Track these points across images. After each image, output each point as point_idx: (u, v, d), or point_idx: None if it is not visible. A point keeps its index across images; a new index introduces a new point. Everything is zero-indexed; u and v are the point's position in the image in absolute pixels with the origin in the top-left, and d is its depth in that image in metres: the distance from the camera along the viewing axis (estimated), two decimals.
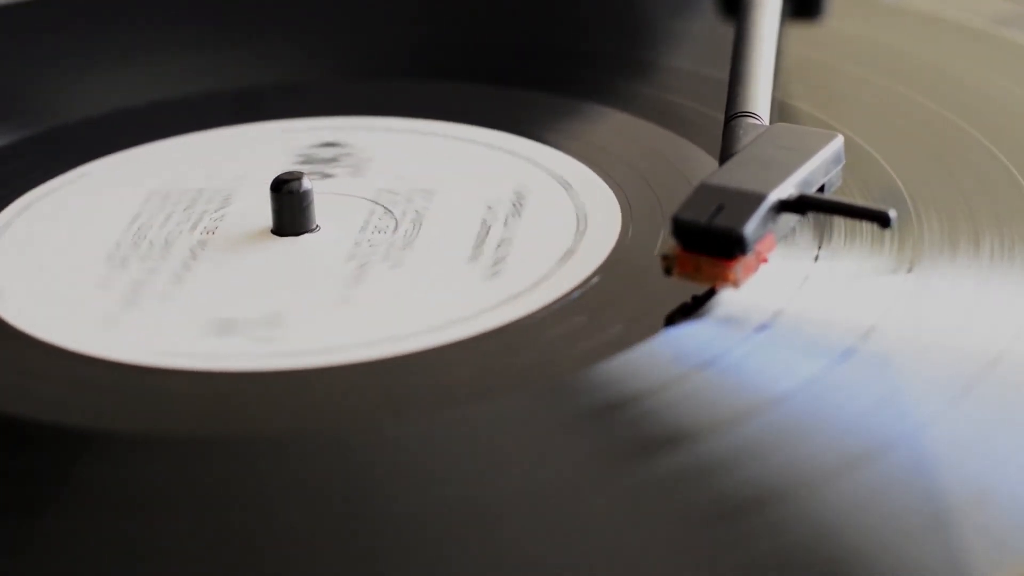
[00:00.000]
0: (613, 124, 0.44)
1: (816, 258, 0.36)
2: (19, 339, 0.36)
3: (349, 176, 0.42)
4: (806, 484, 0.30)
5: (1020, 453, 0.31)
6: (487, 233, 0.39)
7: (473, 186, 0.41)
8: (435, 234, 0.39)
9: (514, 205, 0.40)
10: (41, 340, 0.36)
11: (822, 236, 0.37)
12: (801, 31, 0.49)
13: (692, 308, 0.35)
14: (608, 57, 0.49)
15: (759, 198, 0.34)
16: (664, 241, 0.35)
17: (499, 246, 0.38)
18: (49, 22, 0.53)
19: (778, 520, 0.29)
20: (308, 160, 0.43)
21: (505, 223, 0.39)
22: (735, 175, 0.35)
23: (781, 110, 0.43)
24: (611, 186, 0.40)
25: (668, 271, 0.35)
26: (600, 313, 0.35)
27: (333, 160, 0.43)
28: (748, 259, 0.34)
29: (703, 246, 0.34)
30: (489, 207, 0.40)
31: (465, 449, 0.31)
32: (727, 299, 0.35)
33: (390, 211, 0.40)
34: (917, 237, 0.37)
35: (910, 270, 0.36)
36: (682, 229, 0.34)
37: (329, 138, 0.44)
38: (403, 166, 0.42)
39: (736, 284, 0.34)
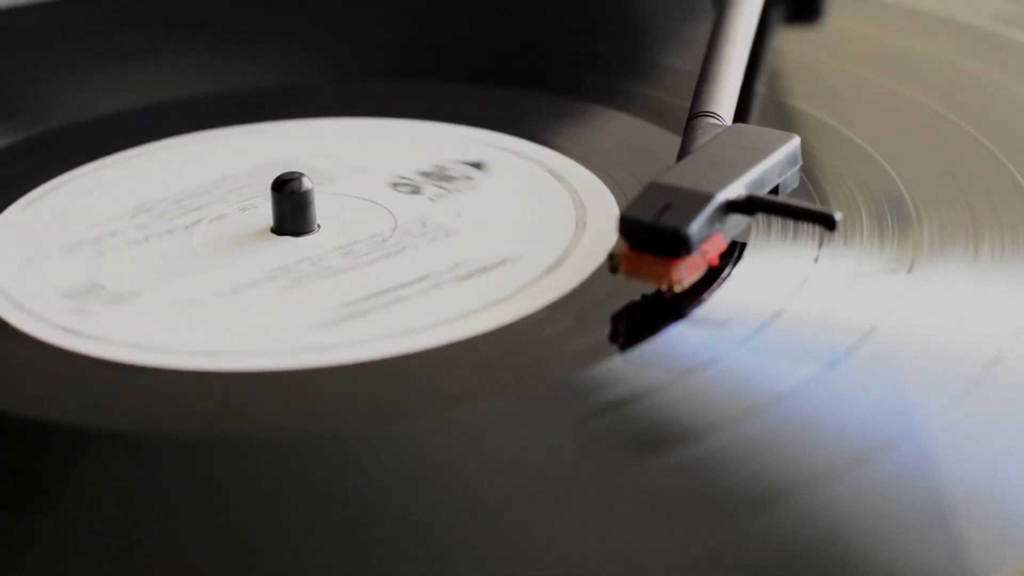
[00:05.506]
0: (614, 125, 0.44)
1: (816, 258, 0.36)
2: None
3: (427, 200, 0.40)
4: (806, 484, 0.30)
5: (1020, 452, 0.31)
6: (432, 286, 0.36)
7: (492, 233, 0.39)
8: (381, 271, 0.37)
9: (498, 263, 0.37)
10: None
11: (822, 236, 0.37)
12: (801, 31, 0.49)
13: (692, 308, 0.35)
14: (608, 58, 0.49)
15: (706, 198, 0.34)
16: (618, 241, 0.35)
17: (400, 301, 0.36)
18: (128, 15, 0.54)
19: (778, 519, 0.29)
20: (433, 173, 0.42)
21: (462, 280, 0.37)
22: (686, 174, 0.35)
23: (780, 111, 0.43)
24: (610, 186, 0.40)
25: (614, 270, 0.35)
26: (598, 314, 0.35)
27: (450, 179, 0.41)
28: (693, 259, 0.34)
29: (649, 245, 0.34)
30: (456, 264, 0.37)
31: (461, 450, 0.31)
32: (728, 299, 0.35)
33: (388, 239, 0.39)
34: (917, 237, 0.37)
35: (910, 270, 0.36)
36: (629, 227, 0.34)
37: (479, 157, 0.43)
38: (480, 203, 0.40)
39: (679, 284, 0.34)
